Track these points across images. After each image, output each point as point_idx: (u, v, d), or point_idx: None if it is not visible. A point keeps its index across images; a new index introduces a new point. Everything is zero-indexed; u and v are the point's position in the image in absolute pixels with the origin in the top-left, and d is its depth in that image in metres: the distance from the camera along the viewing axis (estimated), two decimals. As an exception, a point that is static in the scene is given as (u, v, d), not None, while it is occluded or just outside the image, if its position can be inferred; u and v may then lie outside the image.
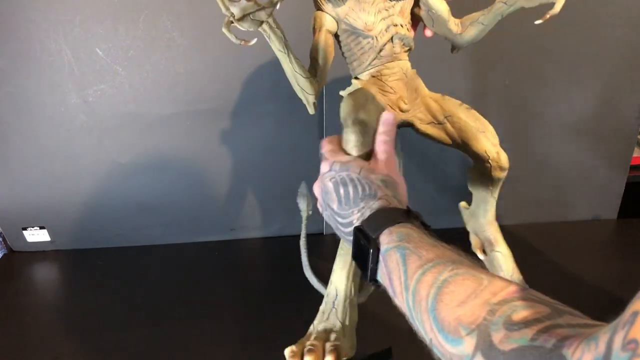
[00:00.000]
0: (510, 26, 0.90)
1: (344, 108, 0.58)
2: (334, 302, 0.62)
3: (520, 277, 0.74)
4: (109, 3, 0.85)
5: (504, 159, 0.65)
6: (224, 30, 0.47)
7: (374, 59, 0.61)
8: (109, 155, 0.98)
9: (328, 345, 0.61)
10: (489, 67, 0.97)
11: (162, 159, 1.00)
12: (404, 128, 0.66)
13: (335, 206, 0.53)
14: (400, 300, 0.45)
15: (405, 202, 0.53)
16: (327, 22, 0.60)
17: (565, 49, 0.96)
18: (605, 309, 0.32)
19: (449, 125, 0.64)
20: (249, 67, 0.92)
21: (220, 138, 0.98)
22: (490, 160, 0.64)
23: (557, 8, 0.57)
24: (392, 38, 0.60)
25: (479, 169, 0.66)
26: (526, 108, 1.03)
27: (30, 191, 1.01)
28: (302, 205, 0.65)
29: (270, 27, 0.53)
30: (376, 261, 0.47)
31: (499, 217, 1.10)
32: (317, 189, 0.57)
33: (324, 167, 0.56)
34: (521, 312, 0.35)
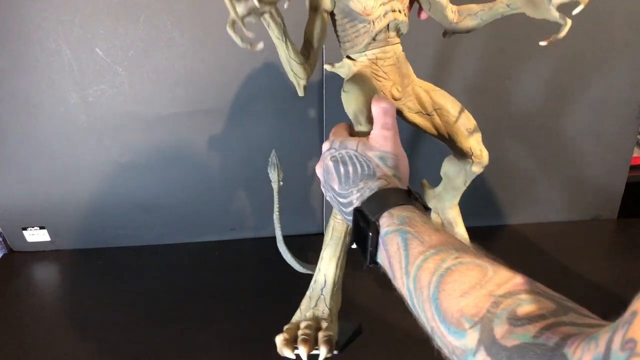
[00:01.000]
0: (510, 26, 0.91)
1: (352, 103, 0.58)
2: (322, 290, 0.64)
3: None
4: (109, 3, 0.85)
5: (486, 156, 0.67)
6: (229, 30, 0.47)
7: (369, 43, 0.60)
8: (109, 155, 0.98)
9: (321, 336, 0.63)
10: (489, 67, 0.97)
11: (162, 159, 1.00)
12: None
13: (336, 186, 0.52)
14: (400, 284, 0.44)
15: (406, 179, 0.53)
16: (325, 0, 0.57)
17: (564, 48, 0.96)
18: (605, 309, 0.32)
19: (437, 118, 0.65)
20: (249, 67, 0.92)
21: (220, 138, 0.98)
22: (473, 157, 0.66)
23: (563, 33, 0.58)
24: (388, 24, 0.59)
25: (459, 162, 0.68)
26: (525, 108, 1.03)
27: (30, 191, 1.01)
28: (273, 175, 0.64)
29: (272, 15, 0.52)
30: (375, 244, 0.47)
31: (499, 217, 1.10)
32: (319, 169, 0.56)
33: (325, 145, 0.56)
34: (526, 307, 0.35)
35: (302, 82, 0.59)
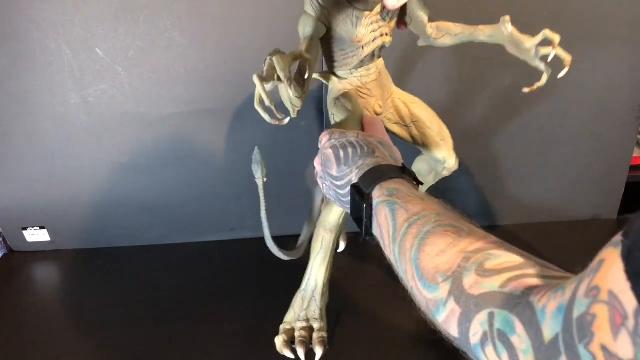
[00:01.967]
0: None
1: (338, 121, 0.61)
2: (313, 292, 0.70)
3: None
4: (109, 3, 0.85)
5: (456, 163, 0.73)
6: (258, 108, 0.50)
7: (356, 65, 0.62)
8: (109, 155, 0.98)
9: (316, 337, 0.69)
10: (489, 67, 0.97)
11: (162, 159, 1.00)
12: None
13: (334, 171, 0.53)
14: (389, 252, 0.46)
15: (400, 162, 0.55)
16: (316, 30, 0.58)
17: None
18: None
19: (414, 129, 0.69)
20: (249, 67, 0.91)
21: (220, 138, 0.98)
22: (444, 164, 0.72)
23: (543, 81, 0.63)
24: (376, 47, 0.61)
25: (430, 165, 0.73)
26: (525, 108, 1.03)
27: (30, 191, 1.01)
28: (257, 172, 0.65)
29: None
30: (370, 216, 0.49)
31: (498, 217, 1.10)
32: (317, 164, 0.57)
33: (324, 138, 0.57)
34: (494, 261, 0.36)
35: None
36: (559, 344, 0.28)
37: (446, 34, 0.64)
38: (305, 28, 0.57)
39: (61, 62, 0.88)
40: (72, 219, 1.04)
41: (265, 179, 0.65)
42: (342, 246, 0.73)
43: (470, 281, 0.36)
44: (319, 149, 0.59)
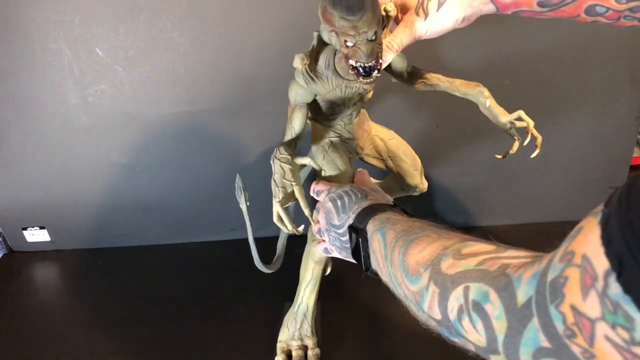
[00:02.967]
0: (511, 29, 0.91)
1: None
2: (304, 314, 0.77)
3: None
4: (109, 3, 0.85)
5: (425, 187, 0.80)
6: (278, 223, 0.61)
7: (340, 117, 0.66)
8: (109, 155, 0.98)
9: (311, 354, 0.77)
10: (489, 67, 0.97)
11: (162, 159, 1.00)
12: None
13: (335, 220, 0.57)
14: (384, 273, 0.48)
15: (391, 202, 0.59)
16: (304, 97, 0.61)
17: (564, 48, 0.97)
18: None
19: (390, 161, 0.76)
20: (249, 67, 0.92)
21: (220, 138, 0.98)
22: (416, 189, 0.80)
23: (514, 150, 0.69)
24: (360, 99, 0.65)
25: (402, 187, 0.80)
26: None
27: (30, 191, 1.01)
28: (240, 198, 0.68)
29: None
30: (367, 249, 0.51)
31: (499, 217, 1.10)
32: (321, 219, 0.60)
33: (322, 197, 0.61)
34: (469, 248, 0.38)
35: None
36: (532, 306, 0.29)
37: (421, 81, 0.67)
38: (297, 97, 0.61)
39: (61, 62, 0.88)
40: (72, 219, 1.04)
41: (248, 204, 0.68)
42: (328, 271, 0.77)
43: (447, 264, 0.38)
44: (313, 198, 0.63)
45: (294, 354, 0.77)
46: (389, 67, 0.66)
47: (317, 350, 0.77)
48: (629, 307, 0.23)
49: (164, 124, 0.95)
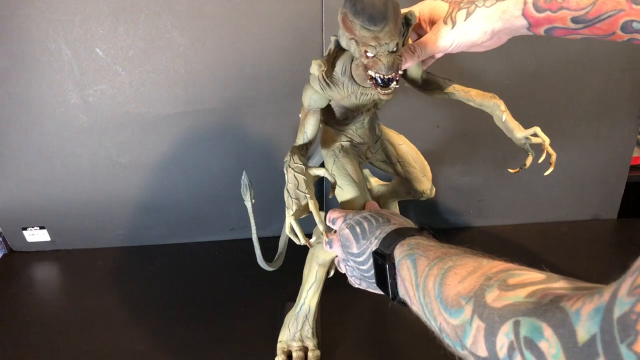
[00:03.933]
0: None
1: (346, 203, 0.64)
2: (306, 315, 0.77)
3: None
4: (109, 3, 0.85)
5: (433, 194, 0.80)
6: (291, 235, 0.58)
7: (353, 123, 0.66)
8: (109, 155, 0.98)
9: (311, 355, 0.77)
10: (489, 67, 0.97)
11: (162, 159, 1.00)
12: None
13: (354, 248, 0.53)
14: (415, 302, 0.45)
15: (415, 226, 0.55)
16: (319, 102, 0.60)
17: (564, 48, 0.97)
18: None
19: (399, 166, 0.75)
20: (249, 67, 0.92)
21: (220, 138, 0.98)
22: (423, 195, 0.78)
23: (528, 164, 0.68)
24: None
25: (408, 192, 0.79)
26: (525, 108, 1.03)
27: (30, 191, 1.01)
28: (245, 195, 0.68)
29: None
30: (394, 276, 0.48)
31: (499, 217, 1.10)
32: (337, 248, 0.57)
33: (338, 222, 0.58)
34: (516, 278, 0.35)
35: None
36: (597, 345, 0.27)
37: (436, 88, 0.66)
38: (311, 102, 0.60)
39: (61, 62, 0.88)
40: (72, 219, 1.04)
41: (253, 201, 0.67)
42: (331, 273, 0.77)
43: (493, 296, 0.35)
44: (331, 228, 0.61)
45: (294, 355, 0.77)
46: (403, 72, 0.65)
47: (318, 352, 0.77)
48: None
49: (164, 124, 0.95)
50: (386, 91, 0.52)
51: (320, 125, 0.67)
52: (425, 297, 0.42)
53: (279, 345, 0.78)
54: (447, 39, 0.56)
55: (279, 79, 0.92)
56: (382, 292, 0.52)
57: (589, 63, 0.99)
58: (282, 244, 0.84)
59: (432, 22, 0.58)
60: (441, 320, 0.40)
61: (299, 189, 0.57)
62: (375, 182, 0.93)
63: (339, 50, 0.56)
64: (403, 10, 0.56)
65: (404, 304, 0.49)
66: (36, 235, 1.05)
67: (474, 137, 1.03)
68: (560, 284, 0.33)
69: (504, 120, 0.65)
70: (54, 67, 0.89)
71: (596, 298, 0.28)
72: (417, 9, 0.59)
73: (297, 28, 0.89)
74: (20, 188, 1.00)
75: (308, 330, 0.78)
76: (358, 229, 0.54)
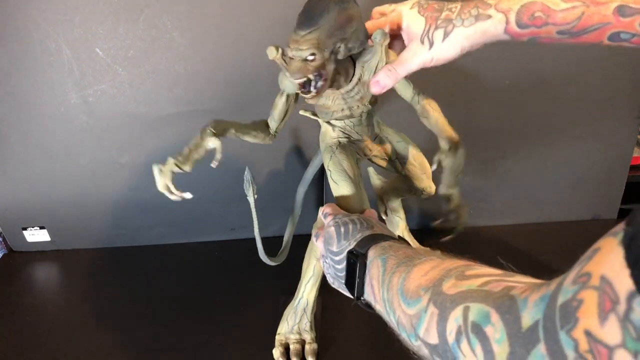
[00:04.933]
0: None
1: (342, 201, 0.65)
2: (304, 309, 0.78)
3: (411, 236, 0.94)
4: (109, 3, 0.85)
5: (434, 191, 0.80)
6: (164, 191, 0.65)
7: (349, 119, 0.66)
8: (109, 155, 0.98)
9: (308, 348, 0.78)
10: (490, 67, 0.97)
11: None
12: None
13: (334, 246, 0.55)
14: (379, 300, 0.46)
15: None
16: (290, 87, 0.63)
17: (564, 48, 0.97)
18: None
19: (398, 164, 0.76)
20: (248, 67, 0.92)
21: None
22: (423, 192, 0.79)
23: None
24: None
25: (409, 188, 0.80)
26: (525, 108, 1.03)
27: (30, 191, 1.01)
28: (248, 190, 0.70)
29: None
30: (362, 275, 0.49)
31: (499, 217, 1.10)
32: (320, 243, 0.59)
33: (327, 220, 0.60)
34: (473, 270, 0.37)
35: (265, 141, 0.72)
36: (538, 331, 0.27)
37: (424, 118, 0.68)
38: (283, 86, 0.65)
39: (61, 62, 0.88)
40: (72, 219, 1.04)
41: (255, 196, 0.69)
42: None
43: (449, 284, 0.36)
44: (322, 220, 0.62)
45: (291, 347, 0.78)
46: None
47: (315, 345, 0.78)
48: None
49: (164, 124, 0.95)
50: (305, 96, 0.55)
51: (320, 121, 0.68)
52: (389, 292, 0.44)
53: (277, 338, 0.79)
54: (425, 59, 0.56)
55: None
56: (349, 294, 0.53)
57: (589, 63, 0.99)
58: (286, 238, 0.85)
59: (410, 35, 0.58)
60: (399, 313, 0.41)
61: (191, 147, 0.63)
62: (379, 181, 0.94)
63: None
64: (374, 24, 0.57)
65: (368, 305, 0.50)
66: (36, 235, 1.05)
67: (474, 137, 1.03)
68: (514, 278, 0.34)
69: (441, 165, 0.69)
70: (54, 67, 0.89)
71: (544, 287, 0.29)
72: (391, 17, 0.59)
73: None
74: (20, 188, 1.00)
75: (306, 324, 0.79)
76: (342, 229, 0.55)
